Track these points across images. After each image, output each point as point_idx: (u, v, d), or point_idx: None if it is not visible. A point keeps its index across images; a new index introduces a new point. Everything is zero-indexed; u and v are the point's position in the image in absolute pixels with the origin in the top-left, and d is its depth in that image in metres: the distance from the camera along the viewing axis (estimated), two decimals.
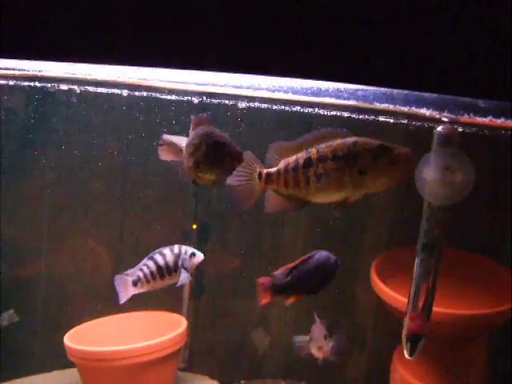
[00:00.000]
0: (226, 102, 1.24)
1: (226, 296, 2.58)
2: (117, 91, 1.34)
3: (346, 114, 1.24)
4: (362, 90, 1.03)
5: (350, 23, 0.98)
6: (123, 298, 1.61)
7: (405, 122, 1.18)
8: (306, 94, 1.09)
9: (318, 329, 1.87)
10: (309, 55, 1.00)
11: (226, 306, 2.58)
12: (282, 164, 1.25)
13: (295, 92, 1.09)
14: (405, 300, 1.79)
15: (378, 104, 1.05)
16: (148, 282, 1.61)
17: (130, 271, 1.63)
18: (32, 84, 1.36)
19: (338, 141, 1.19)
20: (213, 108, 1.30)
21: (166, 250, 1.65)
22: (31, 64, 1.19)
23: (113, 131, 2.31)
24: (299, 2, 1.01)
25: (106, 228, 2.56)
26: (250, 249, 2.55)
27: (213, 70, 1.09)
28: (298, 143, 1.24)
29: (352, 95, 1.05)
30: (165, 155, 1.29)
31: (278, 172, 1.25)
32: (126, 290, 1.61)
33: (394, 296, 1.96)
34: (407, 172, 1.17)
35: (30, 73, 1.24)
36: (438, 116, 1.11)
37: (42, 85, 1.38)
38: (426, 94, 1.01)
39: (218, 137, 1.16)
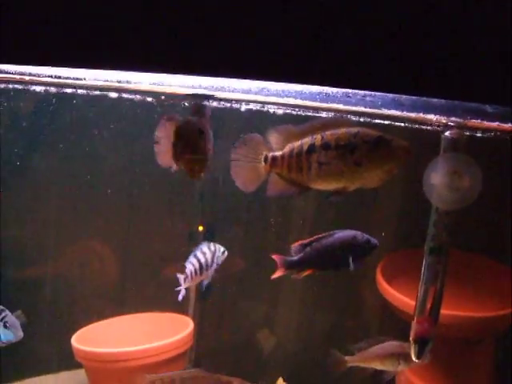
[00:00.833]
0: (236, 106, 1.25)
1: (231, 297, 2.59)
2: (127, 96, 1.35)
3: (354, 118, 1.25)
4: (371, 95, 1.04)
5: (358, 29, 0.99)
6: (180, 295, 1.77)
7: (413, 126, 1.19)
8: (314, 99, 1.10)
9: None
10: (318, 61, 1.01)
11: (232, 307, 2.59)
12: (287, 148, 1.25)
13: (304, 97, 1.10)
14: (410, 301, 1.80)
15: (385, 110, 1.05)
16: (192, 278, 1.76)
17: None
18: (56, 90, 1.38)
19: (343, 130, 1.19)
20: (218, 112, 1.31)
21: (205, 248, 1.78)
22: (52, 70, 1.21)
23: (118, 132, 2.33)
24: (307, 8, 1.02)
25: (112, 230, 2.57)
26: (255, 250, 2.56)
27: (223, 76, 1.10)
28: (304, 128, 1.24)
29: (360, 101, 1.06)
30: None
31: (283, 156, 1.25)
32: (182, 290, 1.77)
33: (400, 297, 1.96)
34: (404, 166, 1.16)
35: (55, 80, 1.25)
36: (445, 121, 1.11)
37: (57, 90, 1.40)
38: (434, 100, 1.01)
39: (194, 124, 1.19)
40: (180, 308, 2.46)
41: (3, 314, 1.77)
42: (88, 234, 2.54)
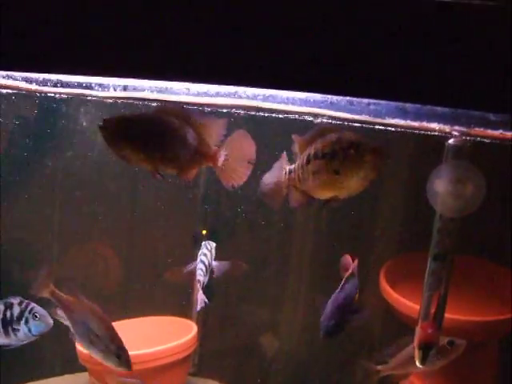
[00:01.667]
0: (241, 112, 1.26)
1: (235, 301, 2.60)
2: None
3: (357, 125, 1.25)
4: (374, 103, 1.05)
5: (363, 36, 1.00)
6: (201, 305, 1.83)
7: (416, 134, 1.19)
8: (319, 106, 1.11)
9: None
10: (321, 69, 1.02)
11: (235, 310, 2.59)
12: (299, 160, 1.26)
13: (309, 105, 1.11)
14: (413, 305, 1.81)
15: (389, 119, 1.06)
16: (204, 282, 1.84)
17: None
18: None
19: (330, 137, 1.18)
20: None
21: (205, 250, 1.87)
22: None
23: None
24: (312, 15, 1.03)
25: (116, 233, 2.58)
26: (258, 254, 2.57)
27: (225, 83, 1.11)
28: (309, 137, 1.24)
29: (364, 109, 1.07)
30: None
31: (295, 168, 1.27)
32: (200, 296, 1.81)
33: (403, 301, 1.97)
34: (378, 170, 1.15)
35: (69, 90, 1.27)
36: (449, 129, 1.12)
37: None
38: (438, 108, 1.02)
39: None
40: (183, 312, 2.47)
41: (30, 306, 1.72)
42: (91, 237, 2.55)
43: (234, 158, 1.26)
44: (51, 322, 1.71)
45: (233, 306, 2.61)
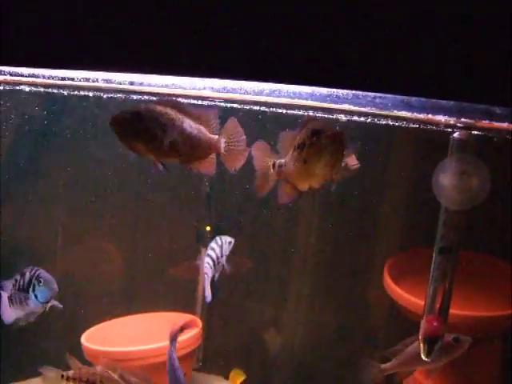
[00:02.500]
0: (248, 107, 1.27)
1: (238, 297, 2.60)
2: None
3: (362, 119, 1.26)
4: (380, 97, 1.05)
5: (370, 31, 1.01)
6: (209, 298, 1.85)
7: (422, 128, 1.20)
8: (325, 100, 1.11)
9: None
10: (328, 63, 1.02)
11: (238, 307, 2.60)
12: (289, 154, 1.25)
13: (315, 98, 1.12)
14: (418, 301, 1.81)
15: (395, 111, 1.07)
16: (212, 274, 1.87)
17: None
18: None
19: (304, 130, 1.18)
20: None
21: (213, 244, 1.90)
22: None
23: None
24: (319, 12, 1.03)
25: (120, 230, 2.59)
26: (262, 250, 2.57)
27: (235, 78, 1.12)
28: (296, 132, 1.23)
29: (370, 102, 1.07)
30: None
31: (285, 162, 1.26)
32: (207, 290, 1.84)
33: (407, 297, 1.97)
34: (339, 156, 1.15)
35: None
36: (454, 122, 1.12)
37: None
38: (443, 101, 1.03)
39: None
40: (188, 307, 2.48)
41: (37, 272, 1.66)
42: (96, 233, 2.55)
43: (232, 143, 1.30)
44: (56, 287, 1.68)
45: (237, 302, 2.61)
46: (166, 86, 1.24)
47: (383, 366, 1.69)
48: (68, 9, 1.11)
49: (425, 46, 1.01)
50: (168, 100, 1.26)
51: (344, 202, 1.92)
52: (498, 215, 2.05)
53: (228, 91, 1.17)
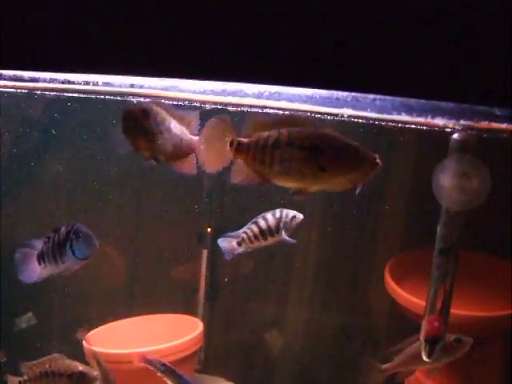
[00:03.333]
0: (248, 110, 1.27)
1: (240, 298, 2.61)
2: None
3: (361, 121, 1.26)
4: (380, 99, 1.06)
5: (368, 33, 1.01)
6: (228, 255, 1.72)
7: (422, 128, 1.20)
8: (323, 103, 1.11)
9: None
10: (326, 65, 1.02)
11: (240, 308, 2.61)
12: (254, 137, 1.23)
13: (314, 102, 1.12)
14: (419, 302, 1.81)
15: (395, 114, 1.07)
16: (252, 242, 1.71)
17: (234, 234, 1.74)
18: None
19: (310, 130, 1.18)
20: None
21: (269, 215, 1.76)
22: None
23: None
24: (317, 12, 1.03)
25: (121, 231, 2.59)
26: (263, 251, 2.58)
27: (232, 80, 1.12)
28: (274, 120, 1.22)
29: (369, 104, 1.08)
30: None
31: (249, 144, 1.23)
32: (231, 248, 1.72)
33: (408, 298, 1.98)
34: (370, 178, 1.16)
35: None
36: (454, 123, 1.13)
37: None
38: (442, 103, 1.03)
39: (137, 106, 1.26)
40: (189, 309, 2.48)
41: (75, 227, 1.53)
42: (96, 235, 2.56)
43: (212, 144, 1.30)
44: (96, 243, 1.55)
45: (239, 304, 2.62)
46: (167, 88, 1.24)
47: (384, 366, 1.69)
48: (68, 12, 1.11)
49: (424, 48, 1.01)
50: (156, 101, 1.30)
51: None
52: (499, 216, 2.05)
53: (228, 94, 1.17)
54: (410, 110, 1.07)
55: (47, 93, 1.38)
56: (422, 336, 1.34)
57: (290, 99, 1.13)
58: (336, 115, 1.16)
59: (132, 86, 1.24)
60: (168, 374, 1.81)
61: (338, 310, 2.51)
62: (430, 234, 1.32)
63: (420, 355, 1.35)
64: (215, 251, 2.54)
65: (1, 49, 1.13)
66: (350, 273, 2.47)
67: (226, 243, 1.72)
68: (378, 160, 1.16)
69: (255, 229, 1.72)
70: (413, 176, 2.31)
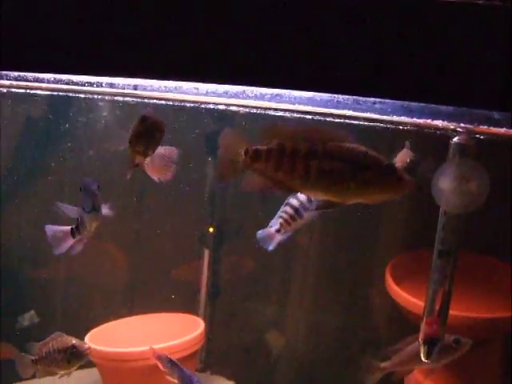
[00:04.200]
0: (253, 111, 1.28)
1: (241, 298, 2.62)
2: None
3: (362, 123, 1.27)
4: (380, 102, 1.07)
5: (369, 38, 1.02)
6: (271, 246, 1.69)
7: (422, 132, 1.21)
8: (325, 106, 1.12)
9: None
10: (327, 69, 1.03)
11: (241, 307, 2.61)
12: (274, 145, 1.16)
13: (315, 104, 1.13)
14: (419, 302, 1.82)
15: (395, 116, 1.08)
16: (289, 224, 1.68)
17: (272, 222, 1.70)
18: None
19: (349, 145, 1.14)
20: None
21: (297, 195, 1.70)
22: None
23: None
24: (319, 16, 1.04)
25: (122, 231, 2.60)
26: (264, 251, 2.58)
27: (234, 83, 1.13)
28: (292, 130, 1.17)
29: (370, 108, 1.09)
30: None
31: (270, 152, 1.16)
32: (272, 240, 1.69)
33: (409, 299, 1.98)
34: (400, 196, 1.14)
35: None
36: (453, 127, 1.14)
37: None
38: (442, 107, 1.04)
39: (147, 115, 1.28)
40: (191, 309, 2.49)
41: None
42: (98, 234, 2.57)
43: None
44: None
45: (240, 303, 2.63)
46: (170, 90, 1.25)
47: (382, 364, 1.70)
48: (69, 13, 1.12)
49: (424, 51, 1.02)
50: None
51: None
52: (498, 217, 2.06)
53: (230, 96, 1.18)
54: (410, 113, 1.08)
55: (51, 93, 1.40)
56: (420, 337, 1.35)
57: (291, 101, 1.14)
58: (338, 116, 1.17)
59: (135, 87, 1.25)
60: (173, 370, 1.83)
61: (338, 310, 2.52)
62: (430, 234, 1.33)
63: (418, 355, 1.36)
64: (217, 250, 2.56)
65: (3, 50, 1.14)
66: (350, 273, 2.47)
67: (265, 234, 1.68)
68: (412, 182, 1.13)
69: (289, 210, 1.68)
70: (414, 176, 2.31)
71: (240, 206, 2.53)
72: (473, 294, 2.03)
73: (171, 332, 2.29)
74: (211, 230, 2.53)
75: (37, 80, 1.33)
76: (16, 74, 1.30)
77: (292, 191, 1.24)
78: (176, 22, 1.07)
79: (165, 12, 1.08)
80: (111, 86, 1.30)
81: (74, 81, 1.32)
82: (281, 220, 1.67)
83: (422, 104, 1.04)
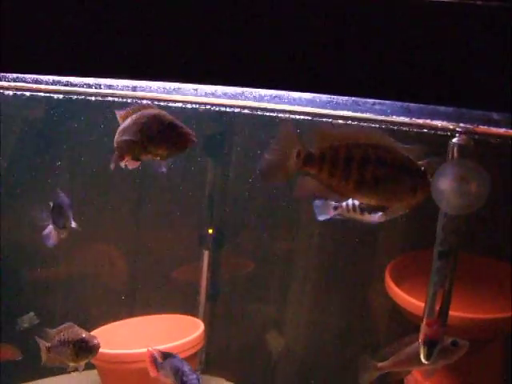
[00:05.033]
0: (249, 112, 1.28)
1: (241, 299, 2.62)
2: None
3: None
4: (379, 103, 1.07)
5: (368, 39, 1.02)
6: (321, 216, 1.70)
7: (421, 132, 1.21)
8: (324, 107, 1.12)
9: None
10: (326, 70, 1.03)
11: (241, 308, 2.61)
12: (327, 149, 1.12)
13: (315, 105, 1.13)
14: (419, 303, 1.82)
15: (395, 117, 1.08)
16: (348, 211, 1.68)
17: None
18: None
19: (403, 150, 1.13)
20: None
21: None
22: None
23: None
24: (317, 17, 1.04)
25: (122, 232, 2.60)
26: (264, 252, 2.59)
27: (233, 85, 1.13)
28: (342, 134, 1.15)
29: (370, 109, 1.09)
30: None
31: (323, 156, 1.12)
32: (325, 211, 1.69)
33: (409, 300, 1.98)
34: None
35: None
36: (452, 127, 1.14)
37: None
38: (442, 108, 1.04)
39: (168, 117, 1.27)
40: (190, 310, 2.49)
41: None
42: (98, 236, 2.57)
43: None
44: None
45: (240, 304, 2.63)
46: (169, 91, 1.25)
47: (380, 364, 1.69)
48: (69, 15, 1.12)
49: (423, 52, 1.02)
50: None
51: None
52: (498, 218, 2.06)
53: (229, 97, 1.18)
54: (409, 114, 1.08)
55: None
56: (420, 338, 1.34)
57: (291, 103, 1.14)
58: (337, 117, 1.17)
59: (134, 88, 1.25)
60: (168, 370, 1.81)
61: (337, 310, 2.52)
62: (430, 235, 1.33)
63: (415, 356, 1.36)
64: (216, 252, 2.56)
65: (3, 51, 1.14)
66: (350, 274, 2.47)
67: (322, 204, 1.68)
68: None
69: (356, 202, 1.68)
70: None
71: (240, 207, 2.53)
72: (473, 295, 2.03)
73: (171, 333, 2.29)
74: (210, 231, 2.53)
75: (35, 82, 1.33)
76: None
77: (343, 197, 1.19)
78: (175, 22, 1.07)
79: (165, 12, 1.08)
80: (109, 87, 1.30)
81: (73, 82, 1.32)
82: (343, 204, 1.65)
83: (421, 105, 1.04)
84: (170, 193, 2.47)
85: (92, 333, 2.26)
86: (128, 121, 1.32)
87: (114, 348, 2.18)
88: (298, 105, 1.15)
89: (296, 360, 2.61)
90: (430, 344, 1.33)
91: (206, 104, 1.30)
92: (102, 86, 1.31)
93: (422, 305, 1.39)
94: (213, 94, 1.22)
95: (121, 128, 1.34)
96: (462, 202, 1.13)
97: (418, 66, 1.00)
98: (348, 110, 1.11)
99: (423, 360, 1.35)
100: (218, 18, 1.06)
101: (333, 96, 1.08)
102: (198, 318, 2.46)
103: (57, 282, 2.59)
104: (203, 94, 1.20)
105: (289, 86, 1.05)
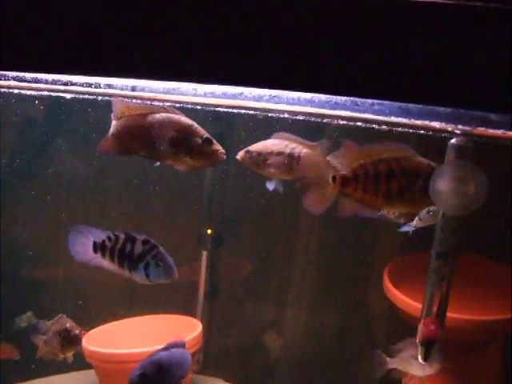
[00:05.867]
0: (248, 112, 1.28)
1: (239, 299, 2.62)
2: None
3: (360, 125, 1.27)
4: (378, 103, 1.07)
5: (368, 40, 1.02)
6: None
7: (419, 133, 1.21)
8: (324, 107, 1.13)
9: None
10: (326, 71, 1.04)
11: (239, 309, 2.61)
12: (358, 169, 1.21)
13: (314, 105, 1.13)
14: (417, 305, 1.82)
15: (393, 117, 1.09)
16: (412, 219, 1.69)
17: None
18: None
19: (420, 160, 1.21)
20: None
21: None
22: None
23: None
24: (318, 18, 1.05)
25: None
26: (263, 253, 2.59)
27: (233, 84, 1.13)
28: (367, 150, 1.22)
29: (368, 109, 1.09)
30: None
31: (356, 176, 1.21)
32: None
33: (407, 301, 1.98)
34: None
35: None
36: (451, 128, 1.14)
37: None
38: (440, 108, 1.04)
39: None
40: (188, 310, 2.49)
41: (155, 251, 1.49)
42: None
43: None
44: (176, 274, 1.49)
45: (238, 305, 2.63)
46: (168, 91, 1.25)
47: (389, 359, 1.72)
48: (69, 13, 1.13)
49: (423, 52, 1.02)
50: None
51: None
52: (498, 219, 2.06)
53: (228, 97, 1.18)
54: (408, 115, 1.08)
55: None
56: (418, 339, 1.35)
57: (290, 102, 1.15)
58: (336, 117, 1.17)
59: (133, 88, 1.25)
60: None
61: (336, 311, 2.52)
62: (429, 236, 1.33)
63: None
64: (215, 252, 2.56)
65: (3, 50, 1.14)
66: (349, 275, 2.47)
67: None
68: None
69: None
70: None
71: (238, 207, 2.53)
72: (472, 296, 2.03)
73: (169, 333, 2.28)
74: (209, 231, 2.53)
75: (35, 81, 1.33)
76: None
77: (376, 210, 1.26)
78: (175, 23, 1.08)
79: (165, 12, 1.08)
80: (109, 86, 1.30)
81: (73, 81, 1.32)
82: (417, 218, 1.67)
83: (419, 105, 1.04)
84: (168, 193, 2.47)
85: (90, 332, 2.27)
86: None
87: (112, 348, 2.18)
88: (297, 105, 1.15)
89: (294, 360, 2.61)
90: (428, 344, 1.34)
91: (205, 104, 1.30)
92: (102, 85, 1.32)
93: (420, 306, 1.39)
94: (212, 94, 1.22)
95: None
96: (460, 203, 1.14)
97: (417, 66, 1.01)
98: (347, 110, 1.11)
99: (421, 360, 1.35)
100: (218, 17, 1.06)
101: (332, 96, 1.08)
102: (195, 318, 2.46)
103: (55, 281, 2.59)
104: (202, 94, 1.20)
105: (288, 85, 1.05)
